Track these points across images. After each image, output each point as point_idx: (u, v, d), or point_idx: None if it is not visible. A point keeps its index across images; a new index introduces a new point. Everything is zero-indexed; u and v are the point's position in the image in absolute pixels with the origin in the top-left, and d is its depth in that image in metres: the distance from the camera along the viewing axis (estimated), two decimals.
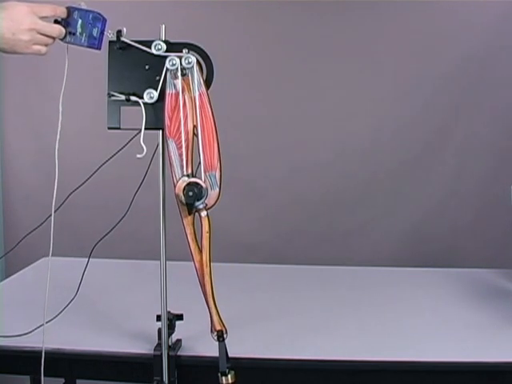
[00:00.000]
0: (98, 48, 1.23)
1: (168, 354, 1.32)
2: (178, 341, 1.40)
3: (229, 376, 1.28)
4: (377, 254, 2.74)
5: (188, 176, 1.26)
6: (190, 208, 1.25)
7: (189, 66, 1.24)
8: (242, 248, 2.76)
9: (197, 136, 1.26)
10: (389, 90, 2.73)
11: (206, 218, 1.28)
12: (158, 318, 1.33)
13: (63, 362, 1.43)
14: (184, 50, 1.24)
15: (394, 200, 2.78)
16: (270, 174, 2.80)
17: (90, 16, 1.22)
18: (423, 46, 2.68)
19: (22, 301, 1.70)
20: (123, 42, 1.25)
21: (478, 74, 2.66)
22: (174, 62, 1.24)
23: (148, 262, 1.92)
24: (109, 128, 1.29)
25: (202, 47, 1.27)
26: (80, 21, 1.21)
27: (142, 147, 1.23)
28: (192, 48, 1.26)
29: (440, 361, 1.35)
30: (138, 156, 1.22)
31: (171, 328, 1.35)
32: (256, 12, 2.74)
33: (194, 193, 1.24)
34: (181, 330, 1.39)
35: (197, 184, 1.25)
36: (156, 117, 1.27)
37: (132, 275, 2.01)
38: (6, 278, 2.07)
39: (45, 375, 1.47)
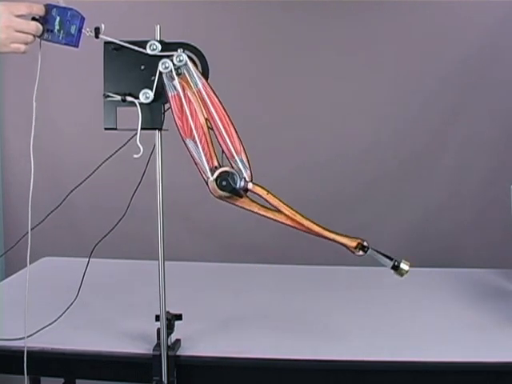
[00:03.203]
0: (76, 45, 1.24)
1: (167, 354, 1.32)
2: (177, 341, 1.40)
3: (402, 265, 1.28)
4: None
5: (216, 168, 1.26)
6: (237, 193, 1.25)
7: (181, 63, 1.25)
8: (241, 248, 2.76)
9: (212, 127, 1.26)
10: (389, 90, 2.73)
11: (256, 186, 1.28)
12: (157, 318, 1.33)
13: (63, 362, 1.43)
14: (179, 50, 1.25)
15: (394, 200, 2.78)
16: (270, 174, 2.79)
17: (68, 13, 1.22)
18: (423, 46, 2.68)
19: (21, 301, 1.70)
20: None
21: (477, 74, 2.66)
22: (167, 65, 1.24)
23: (148, 262, 1.91)
24: (105, 129, 1.29)
25: (196, 46, 1.27)
26: (58, 18, 1.22)
27: (139, 147, 1.23)
28: (187, 47, 1.26)
29: (440, 361, 1.35)
30: (135, 156, 1.22)
31: (170, 328, 1.34)
32: (256, 12, 2.74)
33: (228, 181, 1.24)
34: (180, 330, 1.39)
35: (226, 172, 1.25)
36: (152, 117, 1.27)
37: (132, 275, 2.01)
38: (6, 277, 2.07)
39: (44, 375, 1.47)
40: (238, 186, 1.26)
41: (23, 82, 2.89)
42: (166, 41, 1.27)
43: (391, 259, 1.29)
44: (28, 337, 1.38)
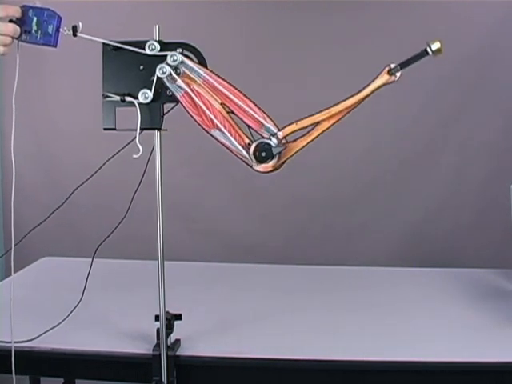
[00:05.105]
0: (54, 45, 1.23)
1: (167, 354, 1.32)
2: (177, 341, 1.40)
3: (432, 46, 1.29)
4: (377, 254, 2.74)
5: (249, 145, 1.27)
6: (280, 151, 1.27)
7: (175, 63, 1.25)
8: (242, 248, 2.76)
9: (230, 110, 1.27)
10: (389, 90, 2.72)
11: (284, 129, 1.28)
12: (157, 318, 1.33)
13: (62, 362, 1.43)
14: (178, 50, 1.25)
15: (394, 200, 2.78)
16: (270, 174, 2.80)
17: (45, 14, 1.21)
18: (423, 46, 2.68)
19: (21, 301, 1.70)
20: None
21: (477, 75, 2.66)
22: (165, 70, 1.24)
23: (148, 262, 1.92)
24: (104, 129, 1.29)
25: (194, 45, 1.27)
26: (35, 19, 1.21)
27: (138, 148, 1.23)
28: (185, 47, 1.26)
29: (440, 361, 1.35)
30: (134, 156, 1.22)
31: (170, 328, 1.34)
32: (256, 12, 2.74)
33: (265, 150, 1.26)
34: (180, 330, 1.39)
35: (259, 144, 1.26)
36: (151, 117, 1.27)
37: (132, 275, 2.01)
38: (6, 277, 2.07)
39: (44, 375, 1.47)
40: (275, 145, 1.26)
41: (23, 82, 2.87)
42: (165, 41, 1.27)
43: (421, 51, 1.30)
44: (30, 340, 1.38)
